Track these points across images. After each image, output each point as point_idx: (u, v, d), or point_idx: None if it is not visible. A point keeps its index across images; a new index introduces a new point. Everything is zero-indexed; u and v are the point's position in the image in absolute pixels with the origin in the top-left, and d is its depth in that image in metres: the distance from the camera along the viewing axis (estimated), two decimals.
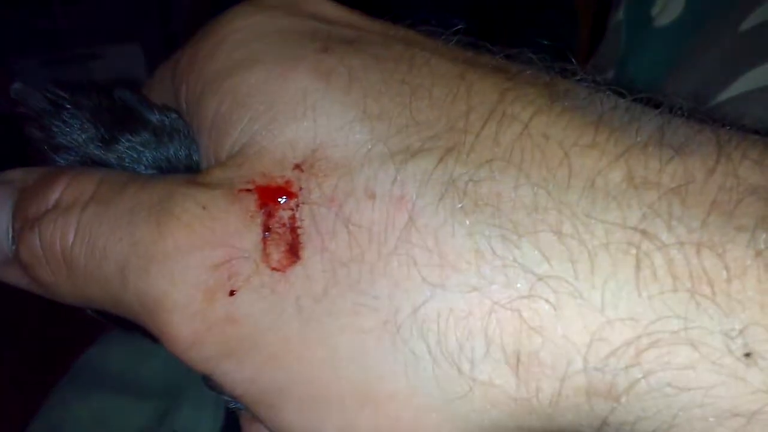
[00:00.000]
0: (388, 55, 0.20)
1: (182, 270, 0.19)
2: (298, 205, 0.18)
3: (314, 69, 0.20)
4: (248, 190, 0.19)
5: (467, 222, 0.17)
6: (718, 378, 0.15)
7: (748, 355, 0.15)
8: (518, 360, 0.17)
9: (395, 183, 0.18)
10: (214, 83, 0.21)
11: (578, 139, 0.18)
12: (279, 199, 0.18)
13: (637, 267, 0.16)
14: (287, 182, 0.18)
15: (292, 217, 0.18)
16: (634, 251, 0.16)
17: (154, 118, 0.25)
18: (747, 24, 0.35)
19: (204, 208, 0.19)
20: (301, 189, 0.18)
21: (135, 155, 0.25)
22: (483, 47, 0.21)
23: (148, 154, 0.25)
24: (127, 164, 0.25)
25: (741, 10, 0.35)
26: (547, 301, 0.16)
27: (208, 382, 0.24)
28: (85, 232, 0.20)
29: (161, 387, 0.51)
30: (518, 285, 0.17)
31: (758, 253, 0.16)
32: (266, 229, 0.18)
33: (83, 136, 0.25)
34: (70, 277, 0.21)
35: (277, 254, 0.18)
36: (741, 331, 0.15)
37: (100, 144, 0.25)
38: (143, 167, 0.25)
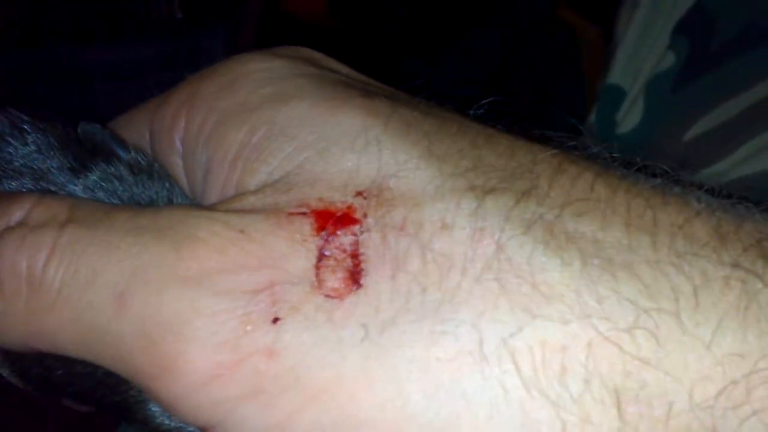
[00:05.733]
0: (428, 111, 0.19)
1: (210, 294, 0.16)
2: (363, 231, 0.16)
3: (367, 108, 0.19)
4: (302, 214, 0.17)
5: (560, 253, 0.16)
6: None
7: None
8: (618, 398, 0.15)
9: (475, 216, 0.16)
10: (239, 115, 0.19)
11: (650, 199, 0.17)
12: (340, 224, 0.16)
13: (742, 305, 0.15)
14: (350, 207, 0.17)
15: (355, 243, 0.16)
16: (738, 288, 0.15)
17: (128, 156, 0.22)
18: (691, 134, 0.37)
19: (242, 231, 0.17)
20: (365, 215, 0.17)
21: (110, 188, 0.21)
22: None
23: (124, 191, 0.22)
24: (98, 198, 0.21)
25: (686, 122, 0.38)
26: (651, 334, 0.15)
27: None
28: (64, 253, 0.17)
29: None
30: (619, 318, 0.15)
31: None
32: (321, 254, 0.16)
33: (48, 163, 0.22)
34: (30, 305, 0.18)
35: (333, 281, 0.16)
36: None
37: (68, 173, 0.22)
38: (118, 202, 0.21)
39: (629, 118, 0.42)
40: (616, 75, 0.45)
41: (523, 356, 0.15)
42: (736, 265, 0.16)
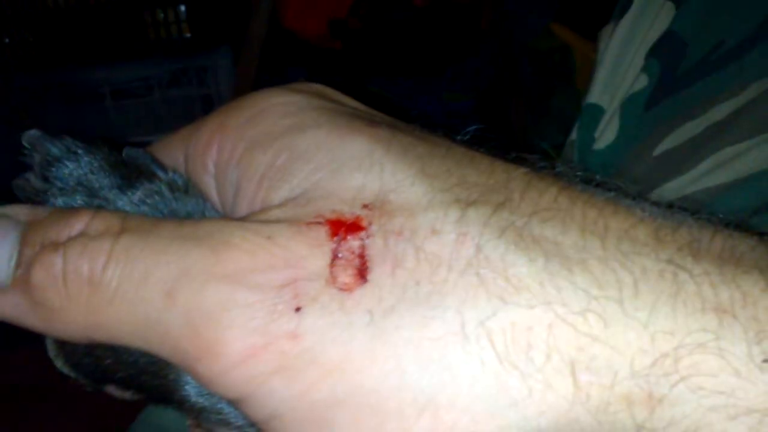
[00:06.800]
0: (422, 137, 0.23)
1: (244, 289, 0.19)
2: (368, 237, 0.20)
3: (372, 135, 0.22)
4: (318, 223, 0.20)
5: (527, 252, 0.19)
6: (739, 381, 0.17)
7: (766, 361, 0.17)
8: (573, 368, 0.18)
9: (459, 223, 0.20)
10: (265, 142, 0.22)
11: (603, 209, 0.20)
12: (350, 231, 0.20)
13: (673, 292, 0.18)
14: (357, 218, 0.20)
15: (362, 246, 0.20)
16: (670, 279, 0.18)
17: (166, 176, 0.25)
18: (659, 149, 0.40)
19: (269, 238, 0.20)
20: (370, 224, 0.20)
21: (152, 203, 0.24)
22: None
23: (164, 206, 0.24)
24: (143, 212, 0.24)
25: (655, 138, 0.41)
26: (599, 317, 0.18)
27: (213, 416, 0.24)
28: (120, 256, 0.20)
29: None
30: (574, 303, 0.18)
31: (762, 289, 0.18)
32: (334, 255, 0.20)
33: (100, 182, 0.24)
34: (91, 301, 0.20)
35: (344, 277, 0.19)
36: (758, 342, 0.17)
37: (117, 190, 0.24)
38: (160, 215, 0.24)
39: (606, 135, 0.45)
40: (596, 94, 0.48)
41: (497, 335, 0.18)
42: (669, 261, 0.19)
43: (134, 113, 1.62)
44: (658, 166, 0.40)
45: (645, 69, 0.44)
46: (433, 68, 1.43)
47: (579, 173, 0.23)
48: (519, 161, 0.22)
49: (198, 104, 1.60)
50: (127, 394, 0.27)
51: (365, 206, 0.20)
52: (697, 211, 0.21)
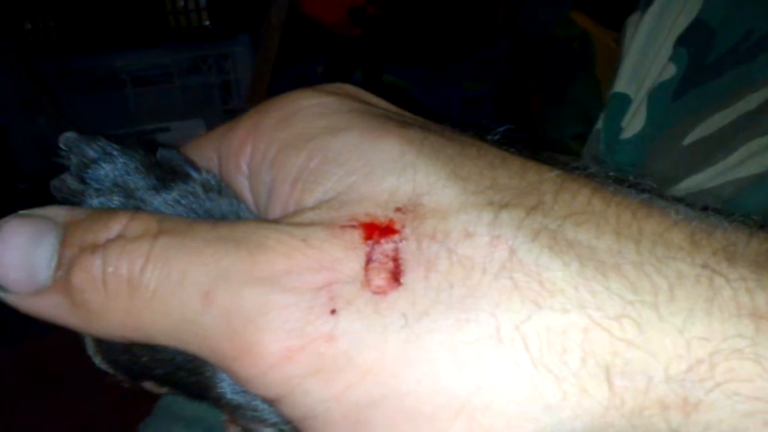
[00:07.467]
0: (453, 137, 0.23)
1: (281, 291, 0.19)
2: (402, 240, 0.20)
3: (403, 137, 0.22)
4: (352, 227, 0.20)
5: (561, 256, 0.19)
6: None
7: None
8: (608, 373, 0.18)
9: (492, 226, 0.19)
10: (298, 143, 0.22)
11: (637, 211, 0.20)
12: (384, 234, 0.20)
13: (709, 297, 0.18)
14: (391, 221, 0.20)
15: (395, 249, 0.19)
16: (706, 284, 0.18)
17: (200, 176, 0.25)
18: (689, 139, 0.39)
19: (304, 240, 0.20)
20: (404, 227, 0.20)
21: (187, 204, 0.24)
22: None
23: (199, 206, 0.24)
24: (178, 212, 0.24)
25: (684, 128, 0.40)
26: (635, 322, 0.18)
27: (249, 413, 0.24)
28: (158, 258, 0.20)
29: None
30: (609, 308, 0.18)
31: None
32: (368, 259, 0.19)
33: (135, 183, 0.24)
34: (129, 303, 0.20)
35: (378, 280, 0.19)
36: None
37: (152, 191, 0.24)
38: (195, 216, 0.24)
39: (633, 124, 0.44)
40: (622, 84, 0.47)
41: (531, 339, 0.18)
42: (705, 266, 0.18)
43: (154, 100, 1.63)
44: (688, 156, 0.39)
45: (673, 58, 0.43)
46: (452, 56, 1.42)
47: (611, 173, 0.22)
48: (551, 162, 0.22)
49: (217, 91, 1.60)
50: (164, 390, 0.27)
51: (398, 209, 0.20)
52: (732, 213, 0.21)
